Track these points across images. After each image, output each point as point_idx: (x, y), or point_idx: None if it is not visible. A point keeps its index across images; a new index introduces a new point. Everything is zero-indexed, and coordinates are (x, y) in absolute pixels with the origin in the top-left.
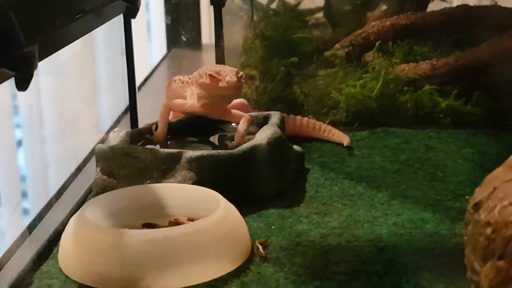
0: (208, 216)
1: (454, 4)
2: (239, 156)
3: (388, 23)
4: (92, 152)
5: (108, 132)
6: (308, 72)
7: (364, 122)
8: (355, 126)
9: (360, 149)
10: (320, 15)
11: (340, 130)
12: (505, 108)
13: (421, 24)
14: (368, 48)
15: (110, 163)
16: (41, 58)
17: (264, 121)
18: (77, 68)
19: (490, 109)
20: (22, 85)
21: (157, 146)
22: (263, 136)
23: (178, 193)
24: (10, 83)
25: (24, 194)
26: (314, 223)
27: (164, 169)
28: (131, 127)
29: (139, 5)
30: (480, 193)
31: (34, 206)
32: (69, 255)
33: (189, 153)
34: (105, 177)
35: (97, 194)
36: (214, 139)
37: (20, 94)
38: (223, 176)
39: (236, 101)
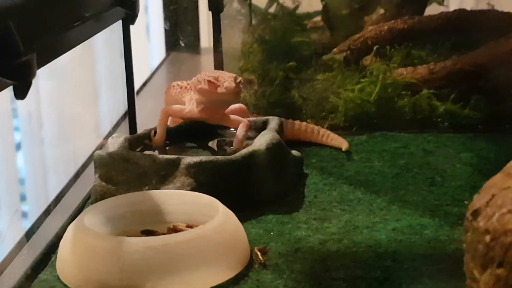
0: (207, 222)
1: (451, 8)
2: (237, 161)
3: (386, 27)
4: (91, 157)
5: (107, 136)
6: (306, 76)
7: (362, 126)
8: (353, 130)
9: (359, 154)
10: (318, 19)
11: (339, 134)
12: (503, 112)
13: (418, 28)
14: (366, 52)
15: (108, 169)
16: (40, 66)
17: (263, 126)
18: (76, 72)
19: (488, 113)
20: (21, 93)
21: (156, 152)
22: (261, 141)
23: (176, 199)
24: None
25: (23, 197)
26: (313, 229)
27: (163, 175)
28: (130, 132)
29: (138, 11)
30: (478, 200)
31: (33, 210)
32: (67, 262)
33: (188, 159)
34: (103, 183)
35: (96, 200)
36: (213, 144)
37: None
38: (221, 181)
39: (234, 106)
